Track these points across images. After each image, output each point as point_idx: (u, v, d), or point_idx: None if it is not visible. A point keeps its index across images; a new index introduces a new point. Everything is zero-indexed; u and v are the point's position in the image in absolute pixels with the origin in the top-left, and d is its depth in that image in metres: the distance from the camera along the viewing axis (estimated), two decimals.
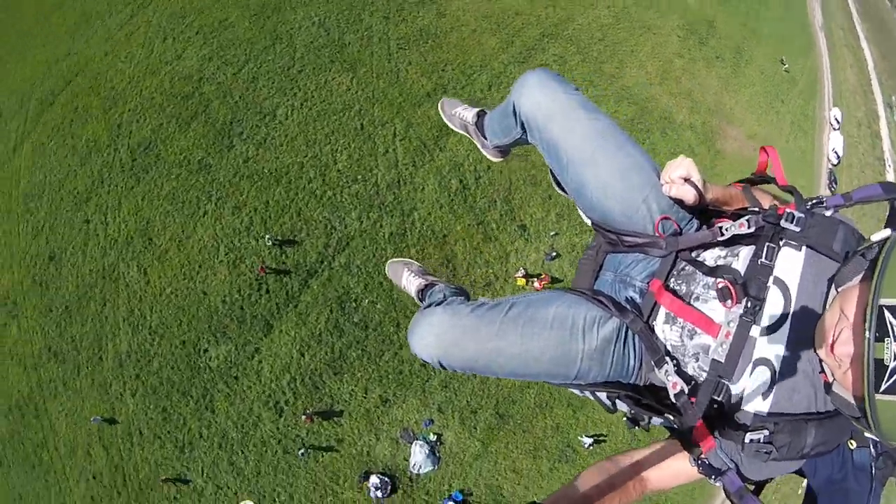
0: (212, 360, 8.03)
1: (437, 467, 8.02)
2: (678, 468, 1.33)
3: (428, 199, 8.52)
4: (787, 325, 1.24)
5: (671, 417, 1.35)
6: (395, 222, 8.16)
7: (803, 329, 1.22)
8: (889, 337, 0.99)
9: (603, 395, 1.57)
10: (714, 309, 1.31)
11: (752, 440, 1.19)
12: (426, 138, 9.27)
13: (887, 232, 1.20)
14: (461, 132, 2.20)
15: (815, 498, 1.68)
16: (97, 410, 8.29)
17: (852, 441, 1.50)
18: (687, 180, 1.39)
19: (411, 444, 7.82)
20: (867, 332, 1.01)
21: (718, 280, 1.28)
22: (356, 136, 8.20)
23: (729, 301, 1.25)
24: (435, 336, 1.46)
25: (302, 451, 7.64)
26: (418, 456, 7.82)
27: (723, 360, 1.25)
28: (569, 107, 1.47)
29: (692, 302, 1.35)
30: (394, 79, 9.73)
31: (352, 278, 8.10)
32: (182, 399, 8.09)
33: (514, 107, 1.56)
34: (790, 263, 1.28)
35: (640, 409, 1.47)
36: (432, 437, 7.89)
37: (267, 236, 7.93)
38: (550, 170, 1.60)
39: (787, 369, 1.22)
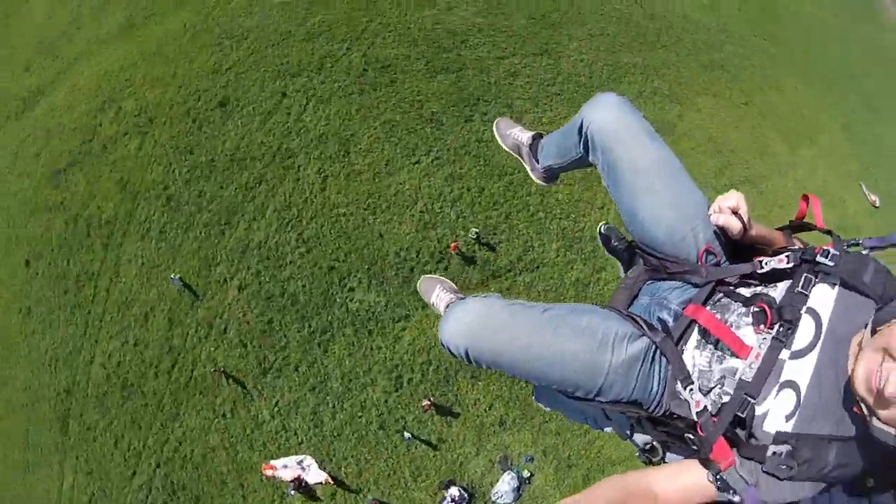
0: (353, 301, 6.85)
1: None
2: (693, 486, 1.31)
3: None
4: (816, 352, 1.27)
5: (691, 437, 1.34)
6: (586, 271, 7.97)
7: (833, 359, 1.25)
8: None
9: (622, 418, 1.60)
10: (746, 335, 1.35)
11: (774, 452, 1.20)
12: None
13: None
14: (512, 153, 2.28)
15: None
16: (185, 277, 6.77)
17: (870, 479, 1.47)
18: (735, 213, 1.46)
19: (504, 472, 7.14)
20: None
21: (756, 303, 1.35)
22: (584, 180, 8.11)
23: (763, 324, 1.31)
24: (466, 324, 1.46)
25: (408, 436, 6.63)
26: (504, 486, 7.12)
27: (750, 380, 1.27)
28: (638, 132, 1.52)
29: (726, 324, 1.39)
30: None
31: (528, 297, 7.60)
32: (297, 322, 6.69)
33: (581, 124, 1.60)
34: (824, 296, 1.32)
35: (658, 433, 1.49)
36: (525, 474, 7.28)
37: (473, 229, 7.34)
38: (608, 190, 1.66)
39: (813, 394, 1.24)
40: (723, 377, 1.35)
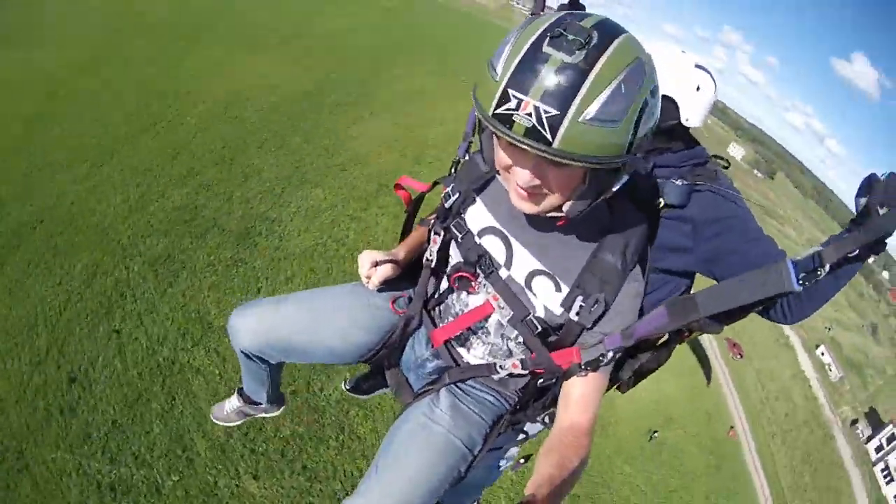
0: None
1: None
2: (582, 390, 1.32)
3: None
4: (516, 242, 1.34)
5: (542, 382, 1.42)
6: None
7: (523, 229, 1.33)
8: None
9: (506, 440, 1.68)
10: (475, 301, 1.43)
11: (581, 306, 1.25)
12: None
13: None
14: (242, 421, 2.20)
15: (712, 271, 1.80)
16: None
17: (661, 200, 1.71)
18: (377, 264, 1.53)
19: None
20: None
21: (452, 278, 1.40)
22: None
23: (472, 283, 1.38)
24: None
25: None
26: None
27: (514, 313, 1.33)
28: (274, 309, 1.54)
29: (459, 316, 1.47)
30: None
31: None
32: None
33: (242, 353, 1.62)
34: (477, 212, 1.41)
35: (523, 416, 1.54)
36: None
37: None
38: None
39: (546, 259, 1.32)
40: (502, 335, 1.44)
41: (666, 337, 1.58)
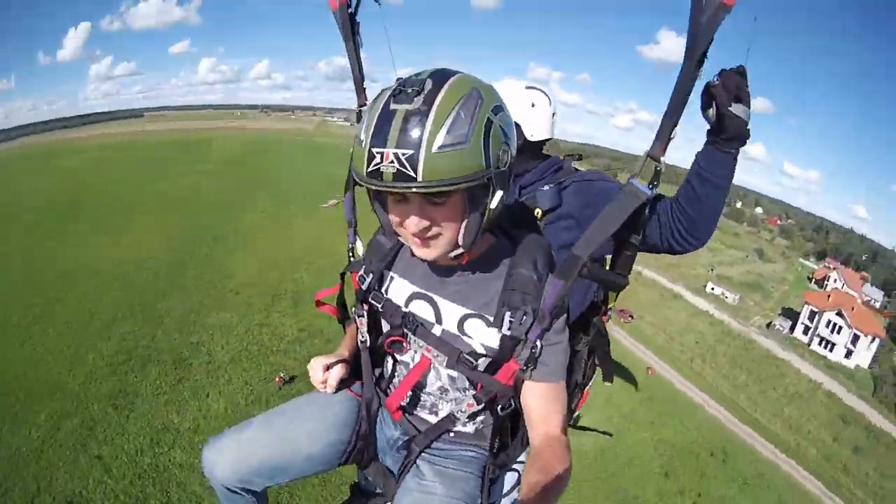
0: None
1: None
2: (538, 396, 1.34)
3: None
4: (436, 299, 1.40)
5: (499, 408, 1.38)
6: None
7: (442, 283, 1.39)
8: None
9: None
10: (412, 359, 1.45)
11: (510, 321, 1.29)
12: None
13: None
14: None
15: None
16: None
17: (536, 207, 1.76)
18: (328, 367, 1.58)
19: None
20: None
21: (385, 346, 1.47)
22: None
23: (403, 344, 1.43)
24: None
25: None
26: None
27: (447, 356, 1.37)
28: (241, 435, 1.50)
29: (403, 378, 1.47)
30: None
31: None
32: None
33: (225, 489, 1.53)
34: (396, 285, 1.45)
35: (502, 457, 1.51)
36: None
37: None
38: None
39: (469, 302, 1.36)
40: (452, 381, 1.43)
41: (587, 314, 1.72)
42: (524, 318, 1.29)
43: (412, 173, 1.06)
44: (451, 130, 1.08)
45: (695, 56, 1.20)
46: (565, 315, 1.39)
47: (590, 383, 1.86)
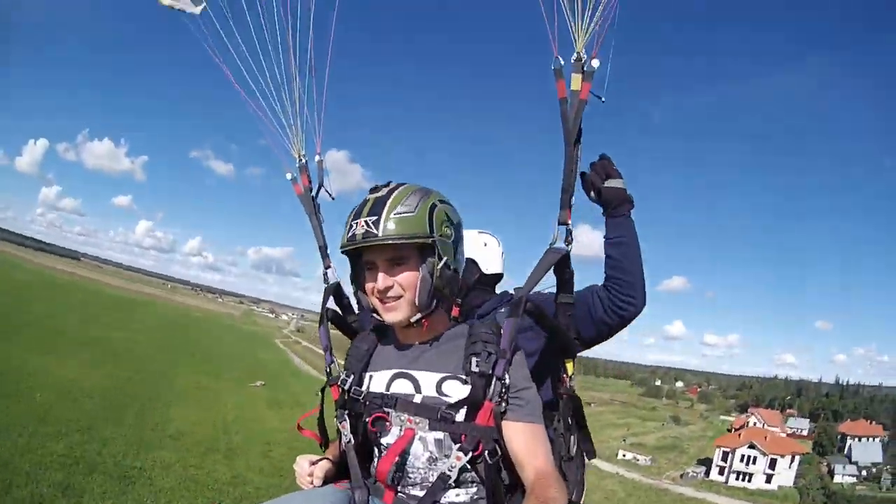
0: None
1: None
2: (520, 437, 1.52)
3: None
4: (413, 372, 1.65)
5: (486, 460, 1.52)
6: None
7: (415, 359, 1.69)
8: None
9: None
10: (392, 434, 1.62)
11: (477, 362, 1.54)
12: None
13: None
14: None
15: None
16: None
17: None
18: (314, 463, 1.76)
19: None
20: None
21: (370, 425, 1.63)
22: None
23: (386, 420, 1.61)
24: None
25: None
26: None
27: (427, 418, 1.56)
28: None
29: (384, 458, 1.61)
30: None
31: None
32: None
33: None
34: (376, 377, 1.72)
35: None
36: None
37: None
38: None
39: (442, 367, 1.64)
40: (439, 445, 1.58)
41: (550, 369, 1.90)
42: (489, 356, 1.53)
43: (375, 231, 1.52)
44: (404, 204, 1.55)
45: (571, 140, 1.61)
46: (526, 363, 1.65)
47: (583, 470, 1.90)
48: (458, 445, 1.54)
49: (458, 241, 1.69)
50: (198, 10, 2.57)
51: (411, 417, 1.61)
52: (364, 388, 1.75)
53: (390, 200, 1.61)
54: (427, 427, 1.58)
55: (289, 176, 2.41)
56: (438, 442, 1.60)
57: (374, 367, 1.80)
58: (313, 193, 2.35)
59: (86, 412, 15.75)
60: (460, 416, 1.55)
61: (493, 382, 1.53)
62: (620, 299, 1.89)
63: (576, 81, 1.66)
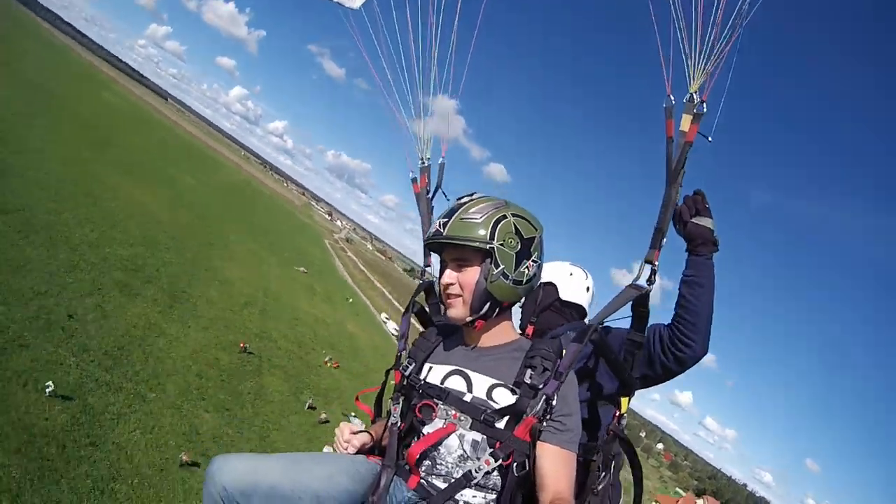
0: None
1: None
2: (550, 459, 1.57)
3: None
4: (469, 372, 1.74)
5: (523, 461, 1.56)
6: None
7: (474, 360, 1.77)
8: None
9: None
10: (434, 424, 1.69)
11: (531, 374, 1.62)
12: None
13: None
14: None
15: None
16: None
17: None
18: (353, 434, 1.86)
19: None
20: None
21: (417, 412, 1.73)
22: None
23: (434, 410, 1.69)
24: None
25: None
26: None
27: (471, 418, 1.63)
28: (258, 457, 1.61)
29: (428, 434, 1.68)
30: None
31: None
32: None
33: (218, 497, 1.53)
34: (435, 369, 1.81)
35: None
36: None
37: None
38: None
39: (497, 374, 1.70)
40: (475, 447, 1.63)
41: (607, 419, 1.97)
42: (544, 372, 1.59)
43: (443, 231, 1.69)
44: (474, 212, 1.68)
45: (673, 180, 1.62)
46: (577, 389, 1.70)
47: None
48: (490, 451, 1.59)
49: (524, 254, 1.71)
50: (356, 4, 2.66)
51: (457, 413, 1.66)
52: (422, 377, 1.83)
53: (465, 206, 1.72)
54: (469, 426, 1.64)
55: (411, 175, 2.52)
56: (475, 443, 1.64)
57: (436, 359, 1.87)
58: (430, 195, 2.45)
59: (150, 234, 17.37)
60: (501, 423, 1.60)
61: (539, 398, 1.57)
62: (680, 339, 1.90)
63: (685, 122, 1.67)
